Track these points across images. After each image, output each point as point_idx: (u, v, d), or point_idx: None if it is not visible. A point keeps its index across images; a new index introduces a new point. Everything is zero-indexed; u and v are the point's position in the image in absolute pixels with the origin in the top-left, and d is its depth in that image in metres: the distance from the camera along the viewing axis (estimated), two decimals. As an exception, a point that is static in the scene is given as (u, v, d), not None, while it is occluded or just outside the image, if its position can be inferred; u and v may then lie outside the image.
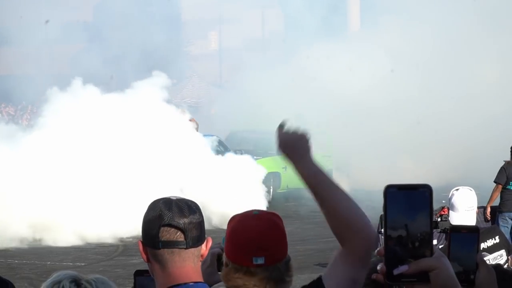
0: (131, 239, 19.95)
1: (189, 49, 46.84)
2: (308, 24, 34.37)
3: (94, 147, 22.36)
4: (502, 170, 16.30)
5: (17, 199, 20.87)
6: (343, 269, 3.52)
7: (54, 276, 2.92)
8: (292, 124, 3.53)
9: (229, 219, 3.63)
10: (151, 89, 24.18)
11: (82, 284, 2.88)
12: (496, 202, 16.31)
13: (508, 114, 30.48)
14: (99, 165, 22.10)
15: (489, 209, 15.92)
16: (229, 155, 24.65)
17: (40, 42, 36.35)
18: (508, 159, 16.51)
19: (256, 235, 3.52)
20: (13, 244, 20.61)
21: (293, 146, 3.51)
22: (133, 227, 19.20)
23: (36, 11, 30.93)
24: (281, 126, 3.53)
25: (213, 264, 3.80)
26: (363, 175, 28.99)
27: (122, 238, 20.90)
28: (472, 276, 3.00)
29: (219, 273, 3.71)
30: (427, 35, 33.48)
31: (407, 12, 33.96)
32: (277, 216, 3.65)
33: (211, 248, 3.65)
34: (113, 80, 25.36)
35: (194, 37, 45.82)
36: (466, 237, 3.00)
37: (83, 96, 23.72)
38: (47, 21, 35.42)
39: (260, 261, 3.48)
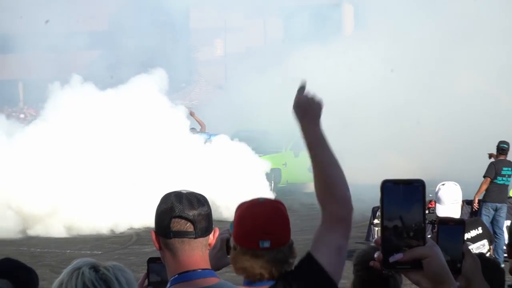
0: (143, 230, 19.94)
1: (196, 55, 46.81)
2: (305, 28, 34.34)
3: (107, 141, 22.25)
4: (492, 165, 16.34)
5: (40, 193, 20.83)
6: (327, 240, 3.56)
7: (74, 263, 2.91)
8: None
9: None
10: (149, 83, 24.06)
11: (100, 270, 2.87)
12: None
13: (486, 115, 30.42)
14: (115, 161, 22.03)
15: (476, 200, 16.02)
16: (237, 151, 24.52)
17: (61, 49, 35.79)
18: (492, 151, 16.64)
19: (263, 220, 3.56)
20: (36, 233, 20.63)
21: (307, 108, 3.63)
22: (145, 218, 19.22)
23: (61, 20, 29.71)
24: (301, 88, 3.64)
25: (222, 249, 3.83)
26: (353, 171, 28.93)
27: (136, 228, 20.89)
28: (458, 265, 3.00)
29: (228, 256, 3.73)
30: (413, 37, 33.21)
31: (395, 18, 33.75)
32: (281, 203, 3.70)
33: (220, 234, 3.67)
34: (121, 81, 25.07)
35: (201, 44, 45.74)
36: (453, 229, 3.00)
37: (85, 92, 23.55)
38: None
39: (266, 244, 3.53)
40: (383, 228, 2.09)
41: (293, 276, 3.57)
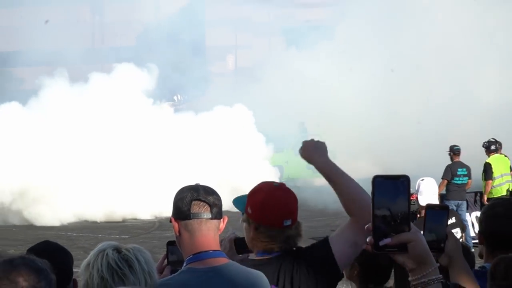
0: (164, 218, 19.96)
1: (210, 68, 46.82)
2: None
3: (132, 137, 22.17)
4: (448, 168, 16.39)
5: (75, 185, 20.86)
6: (348, 234, 3.72)
7: (100, 246, 2.94)
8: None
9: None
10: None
11: (122, 251, 2.90)
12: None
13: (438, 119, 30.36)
14: (141, 159, 22.00)
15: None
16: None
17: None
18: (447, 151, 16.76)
19: (285, 204, 3.74)
20: (71, 220, 20.66)
21: (315, 149, 3.83)
22: (166, 208, 19.21)
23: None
24: (305, 141, 3.89)
25: (232, 248, 3.88)
26: (347, 167, 28.91)
27: (158, 217, 20.89)
28: (442, 245, 3.09)
29: (239, 255, 3.86)
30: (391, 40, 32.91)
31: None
32: (287, 186, 3.92)
33: (228, 236, 3.90)
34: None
35: (215, 59, 45.69)
36: (438, 213, 3.12)
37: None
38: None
39: (288, 222, 3.71)
40: (374, 216, 2.12)
41: (304, 252, 3.76)
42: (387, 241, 2.11)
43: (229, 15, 44.10)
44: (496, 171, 16.35)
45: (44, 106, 22.11)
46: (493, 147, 16.59)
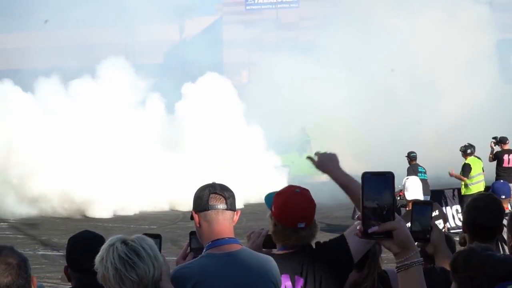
0: (188, 211, 19.93)
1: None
2: None
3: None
4: (410, 168, 16.52)
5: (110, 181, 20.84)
6: None
7: (109, 241, 2.98)
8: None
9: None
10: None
11: (128, 243, 2.92)
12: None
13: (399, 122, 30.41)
14: (164, 157, 21.94)
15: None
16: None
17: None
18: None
19: (301, 209, 3.70)
20: (106, 214, 20.69)
21: (329, 161, 3.78)
22: (189, 202, 19.15)
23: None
24: (317, 153, 3.84)
25: (260, 242, 3.91)
26: (344, 166, 28.96)
27: (182, 210, 20.86)
28: (428, 236, 3.11)
29: (264, 249, 3.87)
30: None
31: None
32: (309, 192, 3.86)
33: (259, 231, 3.95)
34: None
35: (231, 75, 45.84)
36: (423, 208, 3.17)
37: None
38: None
39: (302, 225, 3.69)
40: (363, 207, 2.15)
41: (322, 247, 3.76)
42: (374, 228, 2.13)
43: (243, 36, 44.30)
44: (473, 170, 16.38)
45: (76, 112, 21.86)
46: (469, 150, 16.64)
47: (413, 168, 16.48)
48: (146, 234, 3.52)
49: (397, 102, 31.03)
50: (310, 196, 3.79)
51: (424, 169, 16.66)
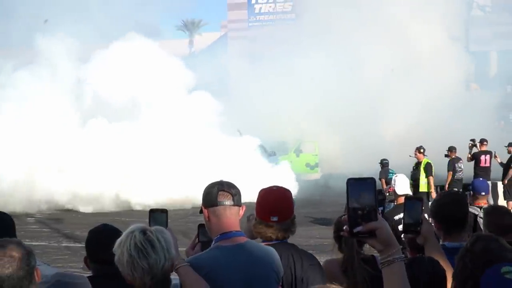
0: (198, 206, 19.81)
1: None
2: None
3: (172, 138, 22.06)
4: (382, 171, 16.87)
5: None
6: None
7: (130, 228, 2.96)
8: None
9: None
10: None
11: (147, 233, 2.90)
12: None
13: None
14: (177, 158, 21.88)
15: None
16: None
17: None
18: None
19: (274, 204, 3.75)
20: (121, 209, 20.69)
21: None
22: (199, 198, 18.98)
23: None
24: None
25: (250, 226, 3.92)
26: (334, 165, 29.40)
27: (193, 204, 20.75)
28: (418, 228, 3.11)
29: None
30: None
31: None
32: (288, 190, 3.86)
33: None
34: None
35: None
36: (414, 203, 3.15)
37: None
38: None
39: (275, 219, 3.70)
40: (349, 210, 2.16)
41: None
42: (359, 228, 2.14)
43: (246, 50, 44.40)
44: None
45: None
46: (421, 150, 16.36)
47: (385, 170, 16.93)
48: (153, 209, 3.53)
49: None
50: (288, 194, 3.81)
51: (393, 171, 16.29)
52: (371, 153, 24.67)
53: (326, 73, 32.29)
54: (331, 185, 24.62)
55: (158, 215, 3.47)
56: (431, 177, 15.90)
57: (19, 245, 2.67)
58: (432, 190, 15.78)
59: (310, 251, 4.06)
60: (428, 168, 15.94)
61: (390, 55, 32.85)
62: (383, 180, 16.52)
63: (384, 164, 17.31)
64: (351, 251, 4.04)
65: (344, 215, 2.22)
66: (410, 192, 8.72)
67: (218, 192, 3.37)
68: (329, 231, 4.33)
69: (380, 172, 16.98)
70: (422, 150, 16.23)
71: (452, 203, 3.97)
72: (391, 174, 16.01)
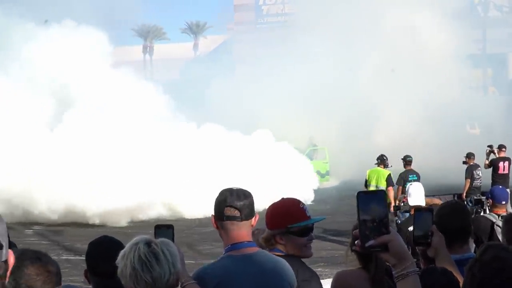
0: (203, 217, 19.77)
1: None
2: None
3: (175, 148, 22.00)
4: (400, 175, 15.61)
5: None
6: None
7: (135, 239, 2.91)
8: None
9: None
10: None
11: (151, 245, 2.85)
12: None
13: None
14: (185, 166, 21.78)
15: (395, 202, 14.47)
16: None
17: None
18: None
19: (289, 206, 3.77)
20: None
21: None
22: (204, 209, 18.93)
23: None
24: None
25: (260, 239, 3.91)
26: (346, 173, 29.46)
27: (198, 217, 20.68)
28: (429, 240, 3.09)
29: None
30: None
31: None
32: (281, 201, 3.83)
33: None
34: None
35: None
36: (424, 214, 3.16)
37: None
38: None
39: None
40: (360, 223, 2.15)
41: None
42: (371, 242, 2.14)
43: (251, 53, 44.62)
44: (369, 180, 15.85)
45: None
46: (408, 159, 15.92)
47: (405, 175, 15.40)
48: (159, 225, 3.49)
49: None
50: (274, 204, 3.78)
51: (416, 176, 15.30)
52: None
53: (331, 77, 32.66)
54: (344, 194, 24.48)
55: (164, 230, 3.42)
56: (397, 187, 15.43)
57: (48, 257, 2.66)
58: (394, 201, 15.06)
59: (322, 264, 4.03)
60: (397, 179, 15.53)
61: (400, 59, 33.00)
62: (400, 188, 15.20)
63: (407, 161, 15.74)
64: (382, 263, 3.88)
65: (356, 229, 2.20)
66: (423, 203, 8.57)
67: (225, 207, 3.39)
68: (340, 243, 4.28)
69: (399, 178, 15.44)
70: (405, 158, 15.87)
71: (452, 213, 3.95)
72: (412, 177, 15.05)
